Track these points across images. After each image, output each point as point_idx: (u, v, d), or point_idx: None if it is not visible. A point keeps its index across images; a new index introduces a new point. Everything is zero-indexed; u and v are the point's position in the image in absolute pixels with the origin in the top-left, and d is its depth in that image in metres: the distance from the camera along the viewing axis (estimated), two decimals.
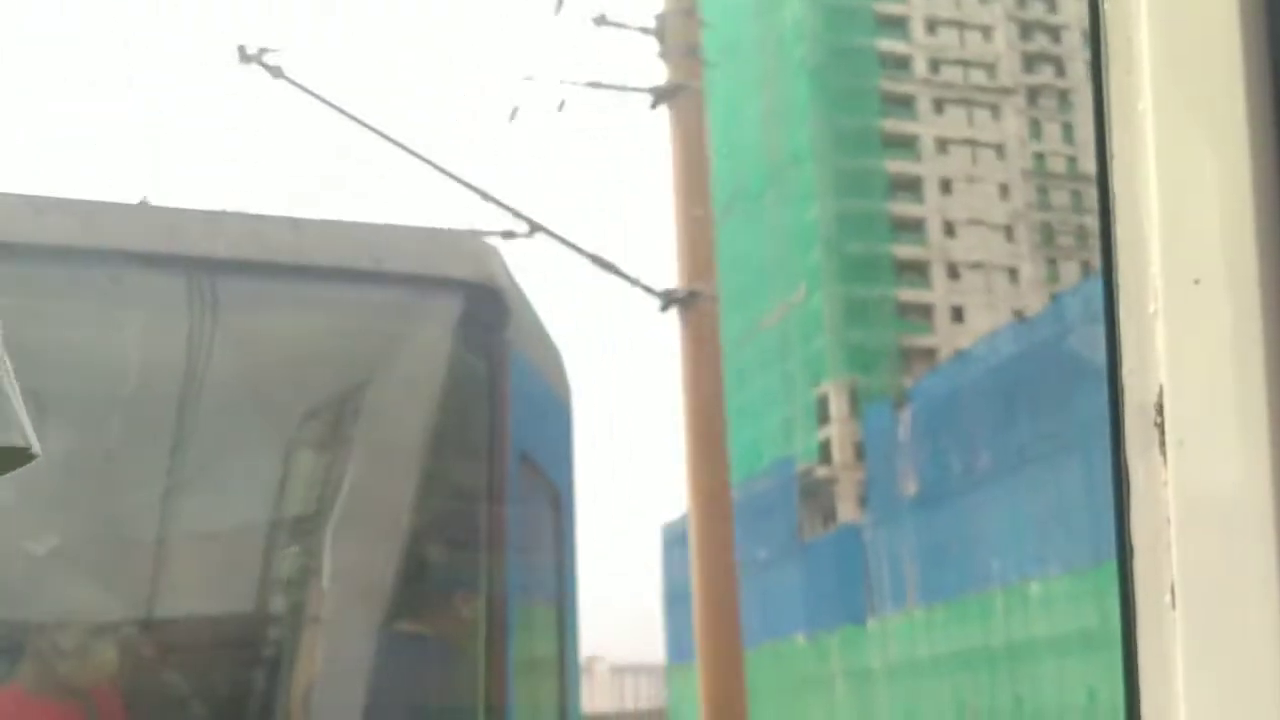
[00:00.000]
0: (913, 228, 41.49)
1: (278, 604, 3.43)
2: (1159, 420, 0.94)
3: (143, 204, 3.52)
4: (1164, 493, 0.90)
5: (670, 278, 8.77)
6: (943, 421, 22.42)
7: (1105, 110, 1.07)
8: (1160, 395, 0.95)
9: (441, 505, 3.62)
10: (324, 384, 3.51)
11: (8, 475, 0.55)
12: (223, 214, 3.46)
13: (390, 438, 3.54)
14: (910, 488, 22.26)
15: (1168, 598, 0.85)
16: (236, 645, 3.38)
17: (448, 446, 3.59)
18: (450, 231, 3.67)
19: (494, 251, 3.59)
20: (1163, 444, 0.93)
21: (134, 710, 3.24)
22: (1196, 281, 0.97)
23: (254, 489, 3.46)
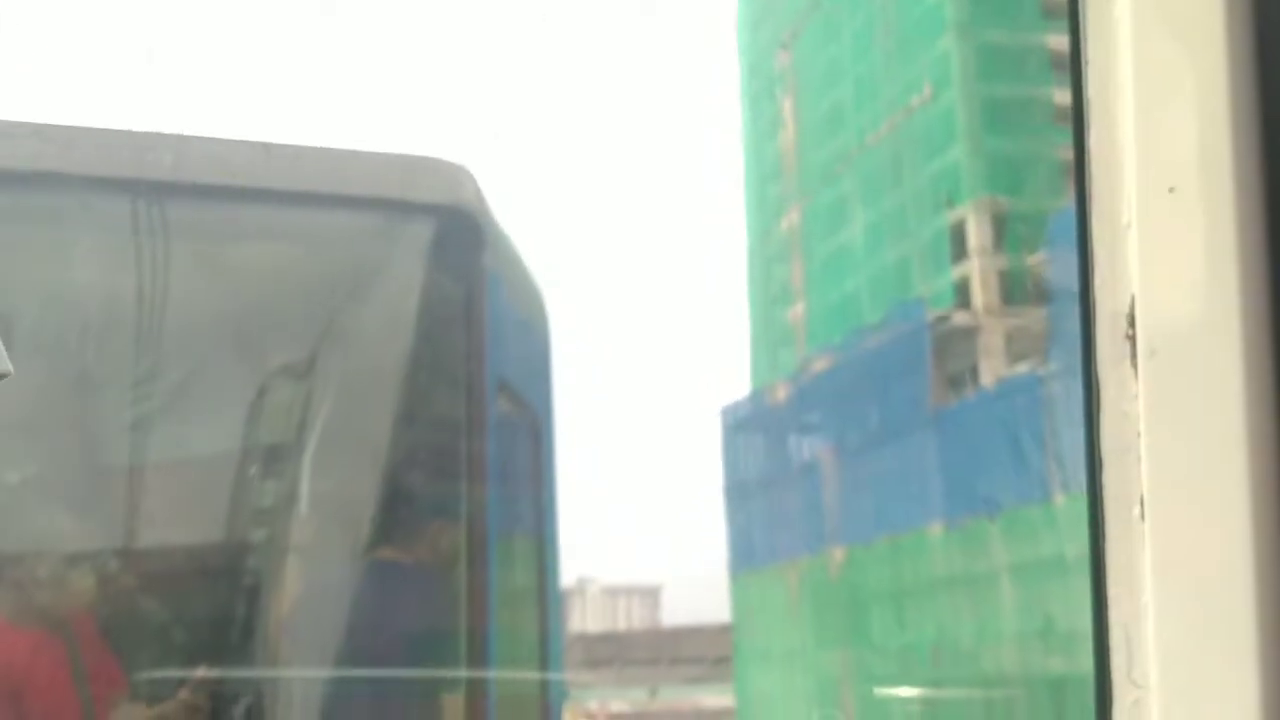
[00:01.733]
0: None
1: (256, 532, 3.43)
2: (1130, 332, 0.92)
3: (111, 129, 3.47)
4: (1134, 405, 0.89)
5: None
6: None
7: (1080, 17, 1.05)
8: (1132, 306, 0.94)
9: (420, 433, 3.61)
10: (299, 311, 3.48)
11: None
12: (191, 138, 3.41)
13: (367, 365, 3.52)
14: None
15: (1137, 510, 0.84)
16: (215, 573, 3.37)
17: (425, 373, 3.57)
18: (424, 156, 3.62)
19: (469, 175, 3.55)
20: (1134, 355, 0.91)
21: (112, 638, 3.25)
22: (1171, 190, 0.96)
23: (229, 417, 3.44)
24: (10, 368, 0.48)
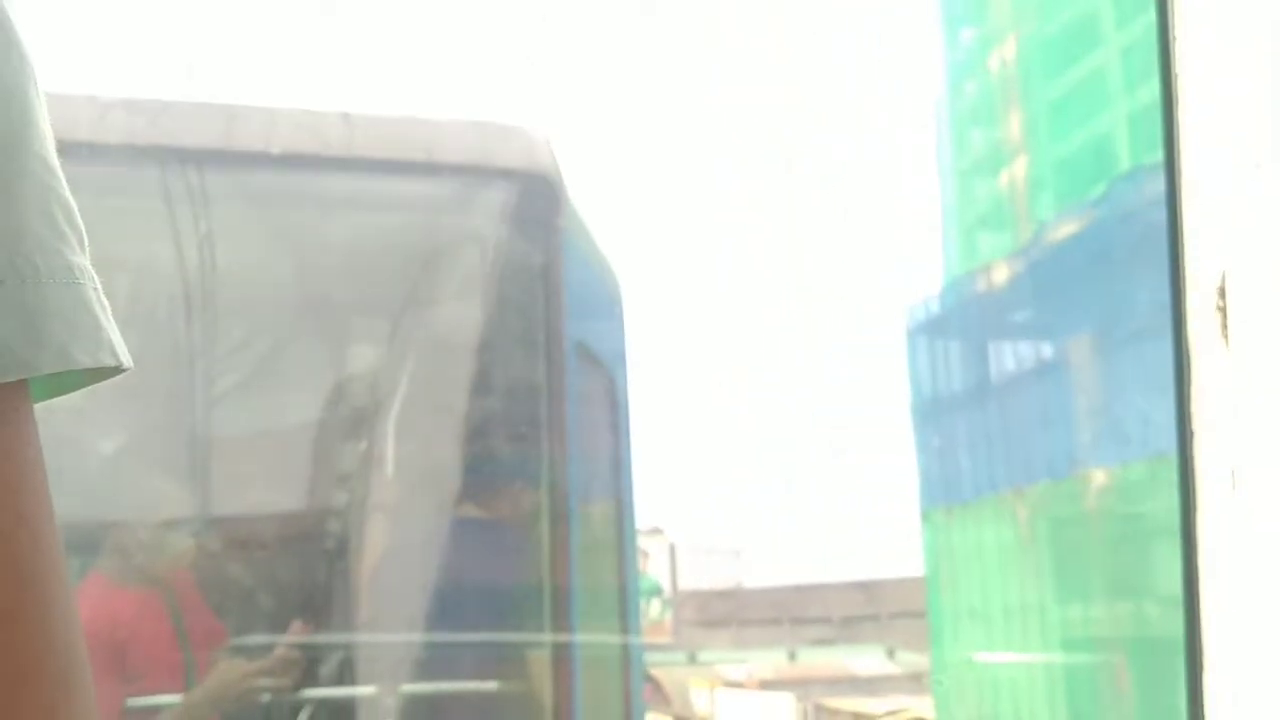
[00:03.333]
0: None
1: (342, 495, 3.52)
2: (1221, 304, 0.94)
3: (198, 100, 3.54)
4: (1225, 377, 0.91)
5: None
6: None
7: None
8: (1223, 280, 0.96)
9: (501, 395, 3.67)
10: (382, 278, 3.55)
11: None
12: (275, 110, 3.48)
13: (448, 329, 3.58)
14: None
15: (1229, 481, 0.86)
16: (304, 535, 3.47)
17: (505, 337, 3.63)
18: (501, 123, 3.66)
19: (545, 142, 3.59)
20: (1225, 328, 0.93)
21: (209, 598, 3.35)
22: (1258, 166, 0.97)
23: (316, 385, 3.52)
24: (130, 362, 0.52)
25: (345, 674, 3.37)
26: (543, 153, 3.61)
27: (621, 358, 4.54)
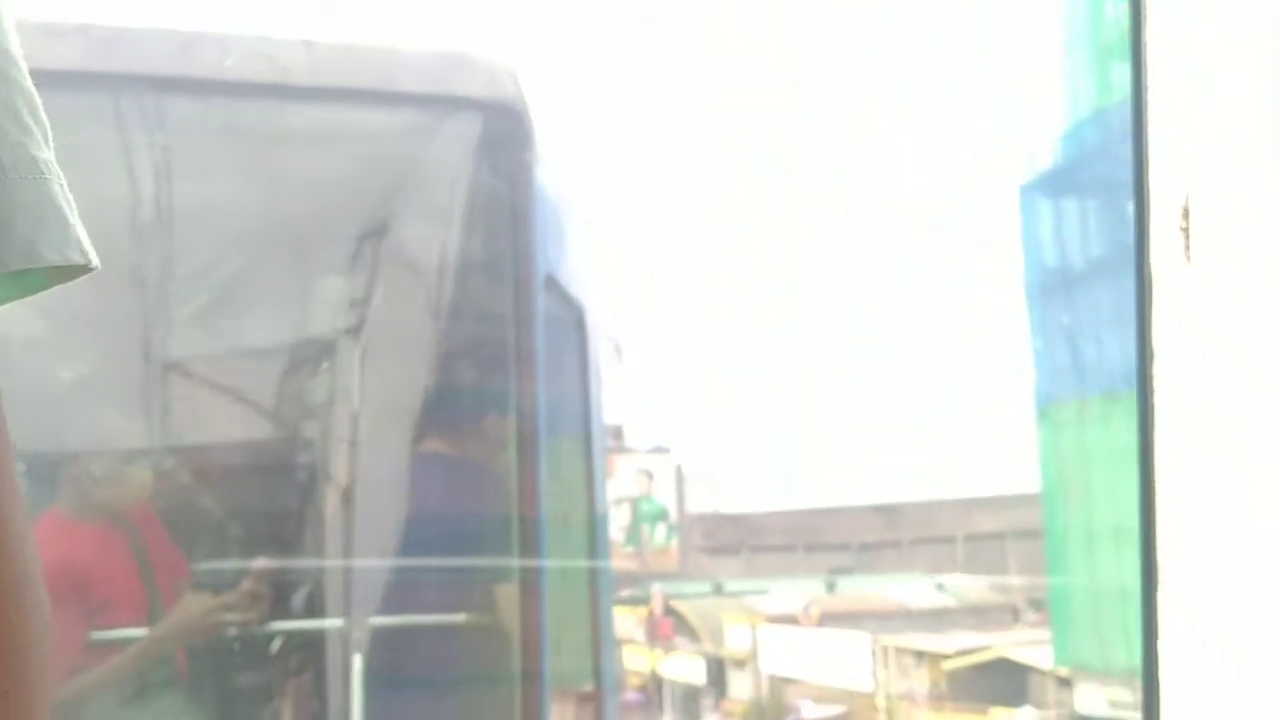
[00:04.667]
0: None
1: (309, 426, 3.50)
2: (1184, 226, 0.93)
3: (155, 27, 3.47)
4: (1187, 298, 0.90)
5: None
6: None
7: None
8: (1187, 202, 0.94)
9: (469, 327, 3.65)
10: (345, 209, 3.51)
11: (33, 302, 0.54)
12: (233, 36, 3.41)
13: (415, 261, 3.55)
14: None
15: (1187, 403, 0.86)
16: (269, 467, 3.45)
17: (473, 269, 3.60)
18: (464, 53, 3.61)
19: (510, 73, 3.54)
20: (1187, 249, 0.92)
21: (172, 531, 3.34)
22: (1227, 89, 0.96)
23: (280, 316, 3.49)
24: (98, 261, 0.50)
25: (313, 607, 3.37)
26: (508, 84, 3.56)
27: (590, 290, 4.52)
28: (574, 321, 4.24)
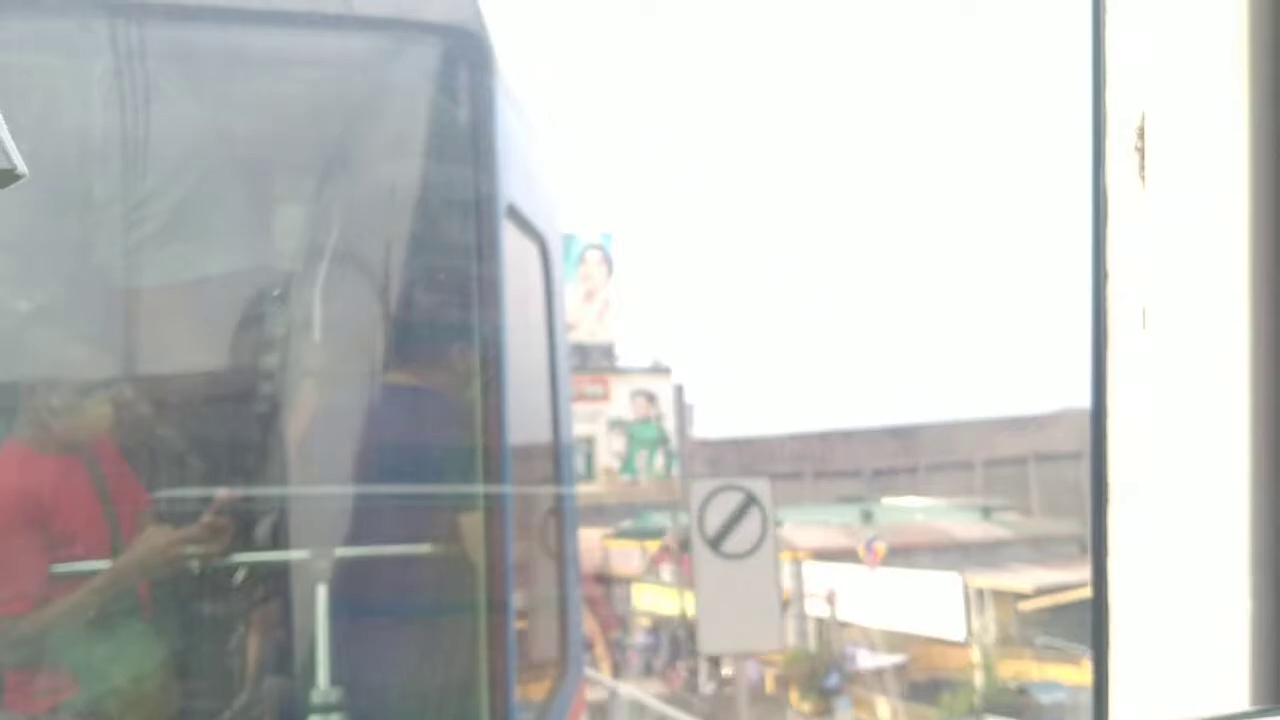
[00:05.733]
0: None
1: (270, 357, 3.47)
2: (1140, 145, 0.92)
3: None
4: (1142, 217, 0.90)
5: None
6: None
7: None
8: (1143, 121, 0.94)
9: (431, 257, 3.62)
10: (303, 136, 3.46)
11: None
12: None
13: (375, 190, 3.51)
14: None
15: (1139, 319, 0.85)
16: (231, 398, 3.42)
17: (434, 197, 3.56)
18: None
19: None
20: (1143, 169, 0.91)
21: (132, 463, 3.32)
22: (1182, 8, 0.95)
23: (239, 245, 3.45)
24: (25, 168, 0.48)
25: (277, 539, 3.37)
26: (467, 9, 3.51)
27: (554, 219, 4.49)
28: (538, 251, 4.21)
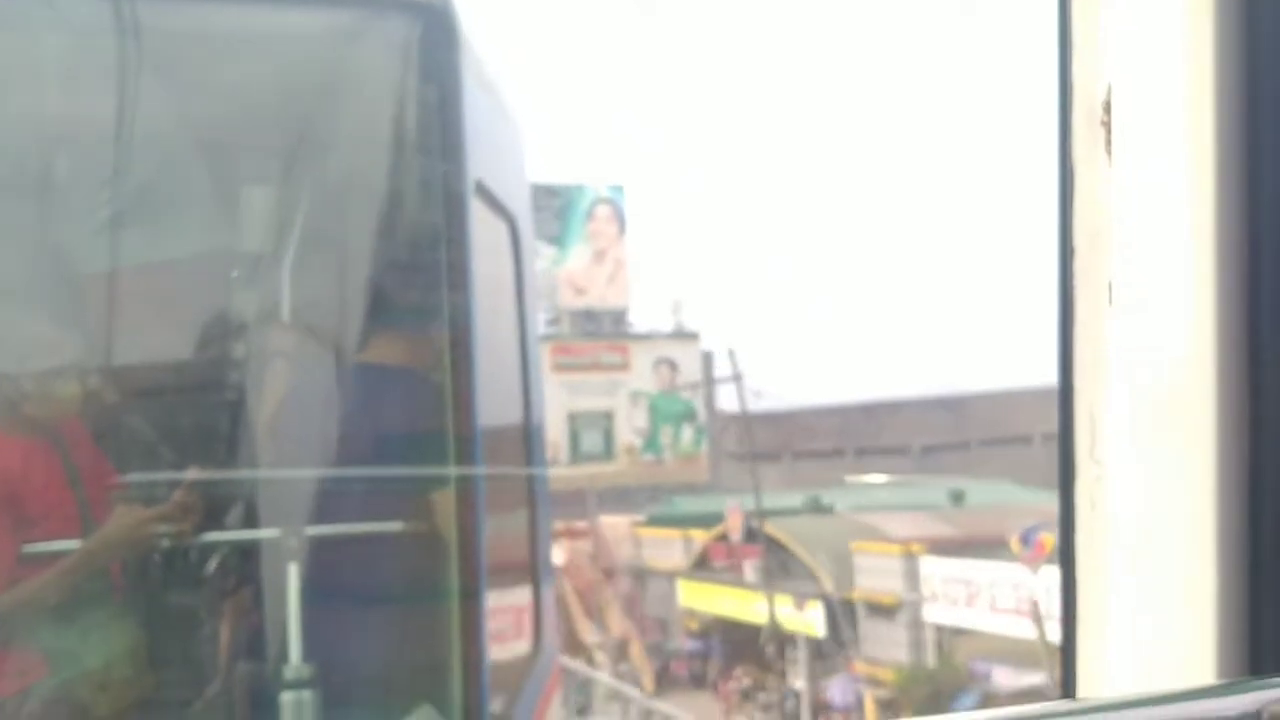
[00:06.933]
0: None
1: (238, 339, 3.45)
2: (1105, 120, 0.92)
3: None
4: (1107, 193, 0.90)
5: None
6: None
7: None
8: (1109, 94, 0.94)
9: (399, 237, 3.60)
10: (269, 114, 3.43)
11: None
12: None
13: (341, 169, 3.49)
14: None
15: (1105, 296, 0.86)
16: (199, 380, 3.41)
17: (402, 175, 3.55)
18: None
19: None
20: (1109, 144, 0.91)
21: (101, 445, 3.30)
22: None
23: (204, 227, 3.43)
24: None
25: (248, 518, 3.36)
26: None
27: (523, 198, 4.47)
28: (506, 229, 4.20)
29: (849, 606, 14.34)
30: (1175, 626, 0.88)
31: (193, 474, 3.20)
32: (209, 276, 3.39)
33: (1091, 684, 0.91)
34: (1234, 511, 0.81)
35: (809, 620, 14.30)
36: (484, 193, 3.73)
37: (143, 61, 3.17)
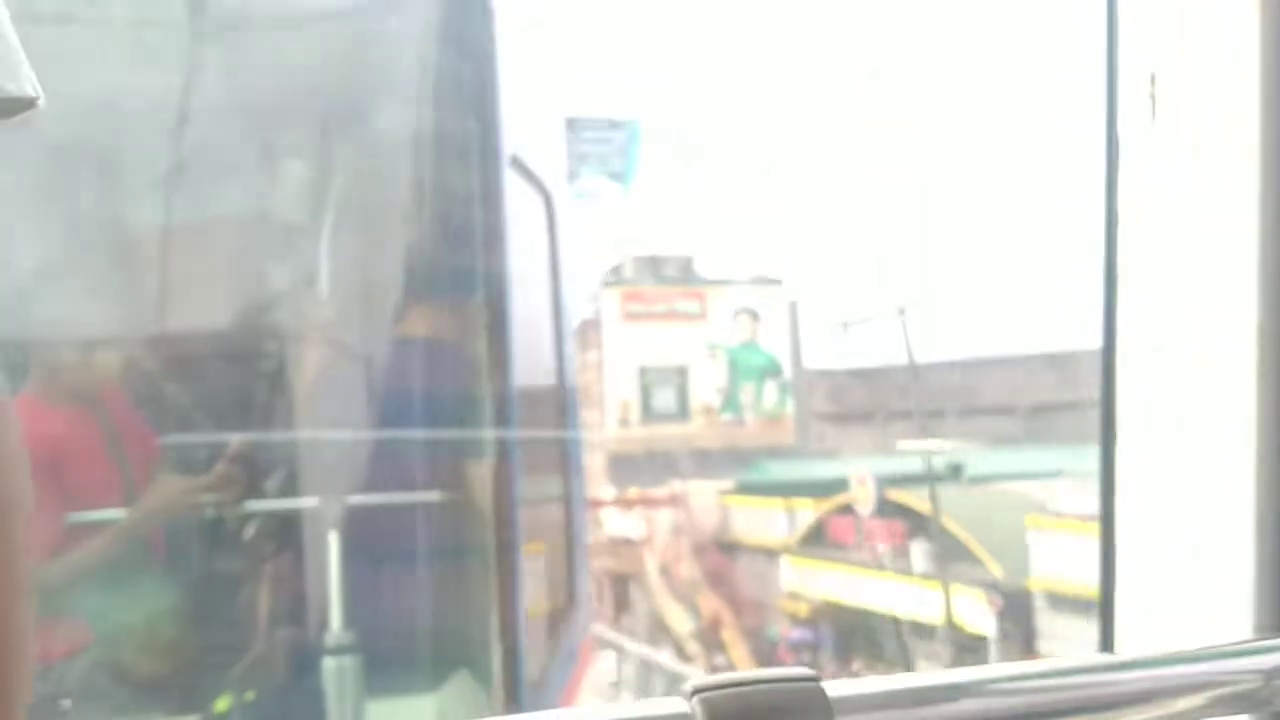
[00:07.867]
0: None
1: (278, 310, 3.49)
2: (1153, 91, 0.94)
3: None
4: (1154, 163, 0.92)
5: None
6: None
7: None
8: (1155, 66, 0.95)
9: (436, 210, 3.63)
10: (309, 90, 3.46)
11: None
12: None
13: (380, 142, 3.52)
14: None
15: (1149, 263, 0.88)
16: (239, 349, 3.45)
17: (439, 149, 3.57)
18: None
19: None
20: (1155, 114, 0.93)
21: (144, 413, 3.34)
22: None
23: (245, 196, 3.46)
24: (41, 93, 0.49)
25: (288, 487, 3.40)
26: None
27: (555, 170, 4.50)
28: (541, 201, 4.22)
29: (1021, 597, 12.17)
30: (1213, 582, 0.91)
31: (235, 441, 3.24)
32: (248, 246, 3.42)
33: (1132, 641, 0.94)
34: (1273, 469, 0.83)
35: (967, 611, 12.34)
36: (520, 166, 3.75)
37: (191, 31, 3.20)
